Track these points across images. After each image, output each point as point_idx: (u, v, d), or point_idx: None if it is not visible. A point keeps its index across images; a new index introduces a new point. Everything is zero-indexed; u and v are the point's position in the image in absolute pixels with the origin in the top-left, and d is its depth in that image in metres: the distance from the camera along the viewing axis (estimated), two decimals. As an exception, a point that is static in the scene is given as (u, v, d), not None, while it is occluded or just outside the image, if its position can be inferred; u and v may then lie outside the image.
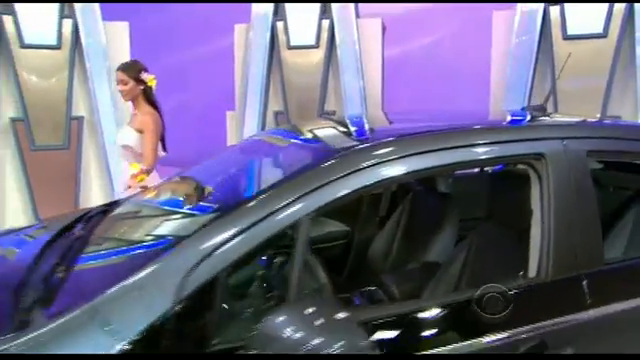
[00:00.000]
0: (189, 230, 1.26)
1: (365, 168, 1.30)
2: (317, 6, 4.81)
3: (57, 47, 4.56)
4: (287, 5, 4.83)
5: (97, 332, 1.11)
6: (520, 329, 1.33)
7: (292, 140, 1.89)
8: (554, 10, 4.24)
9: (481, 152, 1.53)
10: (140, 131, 3.15)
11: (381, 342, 1.20)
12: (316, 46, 4.86)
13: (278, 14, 4.89)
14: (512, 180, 1.92)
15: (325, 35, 4.85)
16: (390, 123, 2.47)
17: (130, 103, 3.26)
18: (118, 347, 1.10)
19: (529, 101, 4.39)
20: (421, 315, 1.32)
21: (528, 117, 1.99)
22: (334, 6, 4.77)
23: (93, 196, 4.88)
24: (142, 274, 1.15)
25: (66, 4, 4.54)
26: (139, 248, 1.42)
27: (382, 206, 2.78)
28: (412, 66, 6.09)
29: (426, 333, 1.32)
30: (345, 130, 1.93)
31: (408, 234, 2.48)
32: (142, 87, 3.17)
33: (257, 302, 1.37)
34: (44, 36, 4.52)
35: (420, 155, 1.41)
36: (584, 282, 1.43)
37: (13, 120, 4.54)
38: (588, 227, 1.48)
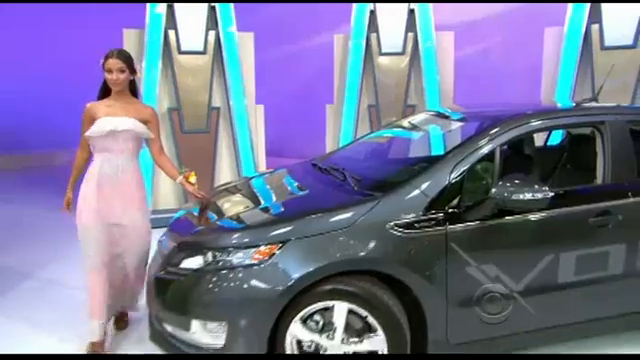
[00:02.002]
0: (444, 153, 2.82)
1: (528, 122, 2.91)
2: (404, 22, 6.37)
3: (203, 52, 6.14)
4: (380, 21, 6.38)
5: (417, 192, 2.67)
6: (606, 203, 2.89)
7: (458, 116, 3.49)
8: (594, 27, 5.79)
9: (575, 119, 3.11)
10: (145, 122, 3.21)
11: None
12: (402, 53, 6.43)
13: (371, 28, 6.45)
14: (575, 144, 3.51)
15: (410, 44, 6.41)
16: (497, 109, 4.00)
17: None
18: (426, 201, 2.64)
19: (573, 97, 5.94)
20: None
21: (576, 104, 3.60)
22: (418, 22, 6.33)
23: (224, 170, 6.46)
24: (440, 165, 2.73)
25: (210, 20, 6.11)
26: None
27: None
28: (472, 68, 7.64)
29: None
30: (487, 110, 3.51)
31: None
32: (132, 78, 3.20)
33: (485, 183, 2.93)
34: (194, 44, 6.09)
35: (552, 119, 3.00)
36: (626, 184, 2.97)
37: (170, 109, 6.11)
38: (628, 158, 3.02)
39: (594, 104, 3.51)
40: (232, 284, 2.54)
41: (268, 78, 7.29)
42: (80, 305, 3.65)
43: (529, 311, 2.81)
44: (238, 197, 3.39)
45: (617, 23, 5.70)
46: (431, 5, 6.38)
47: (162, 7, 5.90)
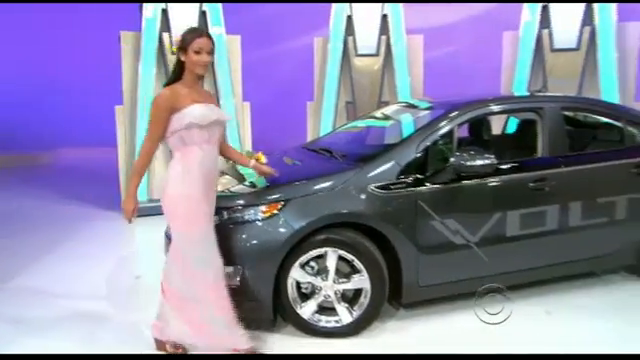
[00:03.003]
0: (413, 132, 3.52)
1: (480, 107, 3.63)
2: (377, 26, 7.08)
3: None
4: (356, 25, 7.08)
5: (391, 163, 3.34)
6: (543, 171, 3.62)
7: (425, 105, 4.20)
8: (545, 32, 6.63)
9: (520, 104, 3.88)
10: None
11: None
12: (377, 54, 7.14)
13: (348, 31, 7.15)
14: (524, 128, 4.26)
15: (383, 46, 7.13)
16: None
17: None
18: (398, 169, 3.32)
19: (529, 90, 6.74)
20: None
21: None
22: (390, 26, 7.05)
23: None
24: (409, 141, 3.42)
25: (201, 24, 6.70)
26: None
27: None
28: (439, 68, 8.42)
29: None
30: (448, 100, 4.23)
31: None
32: None
33: (446, 155, 3.61)
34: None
35: (500, 104, 3.74)
36: (560, 158, 3.71)
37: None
38: (561, 136, 3.77)
39: (540, 94, 4.27)
40: (244, 236, 3.17)
41: (252, 77, 7.91)
42: (72, 304, 3.89)
43: (483, 259, 3.51)
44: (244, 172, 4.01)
45: (563, 29, 6.57)
46: (402, 7, 7.09)
47: (152, 10, 6.44)
